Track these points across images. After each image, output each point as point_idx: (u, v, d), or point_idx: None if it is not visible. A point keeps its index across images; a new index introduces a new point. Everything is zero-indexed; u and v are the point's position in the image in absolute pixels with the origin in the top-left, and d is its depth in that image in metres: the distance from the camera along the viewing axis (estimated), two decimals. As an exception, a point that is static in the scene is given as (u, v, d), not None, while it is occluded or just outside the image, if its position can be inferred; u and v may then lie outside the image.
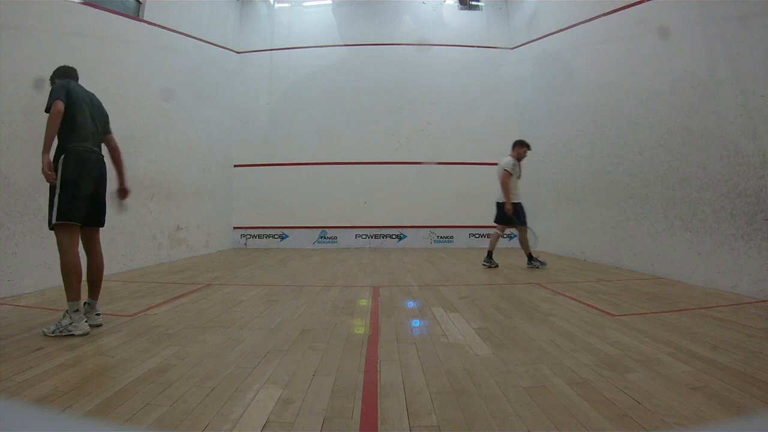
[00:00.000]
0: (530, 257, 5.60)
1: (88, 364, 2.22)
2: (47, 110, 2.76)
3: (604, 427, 1.56)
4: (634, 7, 5.29)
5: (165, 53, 6.59)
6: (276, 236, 8.75)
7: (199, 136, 7.57)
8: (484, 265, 5.70)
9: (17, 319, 3.11)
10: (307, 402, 1.79)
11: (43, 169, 2.69)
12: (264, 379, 2.05)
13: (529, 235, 5.64)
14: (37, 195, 4.23)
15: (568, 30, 6.80)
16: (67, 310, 2.72)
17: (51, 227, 2.77)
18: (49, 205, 2.75)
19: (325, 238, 8.71)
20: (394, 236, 8.71)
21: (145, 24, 6.25)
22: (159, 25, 6.49)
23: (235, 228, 8.73)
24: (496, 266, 5.67)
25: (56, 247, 2.77)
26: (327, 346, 2.55)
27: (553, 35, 7.26)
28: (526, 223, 5.65)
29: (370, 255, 7.47)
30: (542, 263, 5.56)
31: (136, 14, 6.18)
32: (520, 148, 5.70)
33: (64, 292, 2.74)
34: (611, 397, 1.79)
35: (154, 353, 2.38)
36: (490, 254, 5.73)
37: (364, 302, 3.80)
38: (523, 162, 5.72)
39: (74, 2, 5.01)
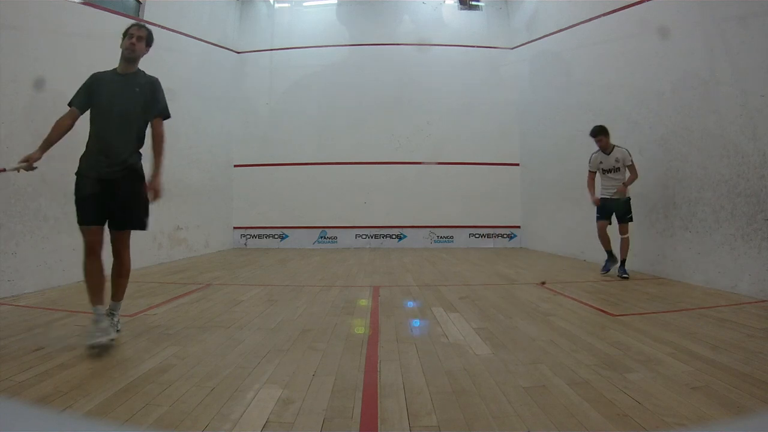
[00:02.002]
0: (623, 263, 4.83)
1: (88, 364, 2.22)
2: (164, 115, 2.93)
3: (604, 427, 1.56)
4: (634, 7, 5.28)
5: (165, 53, 6.57)
6: (276, 236, 8.75)
7: (199, 136, 7.56)
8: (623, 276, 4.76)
9: (17, 319, 3.11)
10: (307, 402, 1.79)
11: (158, 193, 2.71)
12: (264, 379, 2.05)
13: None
14: (37, 195, 4.23)
15: (568, 30, 6.78)
16: (112, 310, 2.74)
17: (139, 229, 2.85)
18: (147, 211, 2.83)
19: (325, 238, 8.70)
20: (394, 236, 8.71)
21: (145, 24, 6.25)
22: (159, 25, 6.46)
23: (235, 228, 8.72)
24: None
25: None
26: (327, 346, 2.55)
27: (553, 35, 7.25)
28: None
29: (370, 255, 7.47)
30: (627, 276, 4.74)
31: (136, 14, 6.18)
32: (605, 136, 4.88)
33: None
34: (611, 397, 1.79)
35: (154, 353, 2.39)
36: (623, 262, 4.84)
37: (364, 302, 3.80)
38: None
39: (74, 2, 5.01)
